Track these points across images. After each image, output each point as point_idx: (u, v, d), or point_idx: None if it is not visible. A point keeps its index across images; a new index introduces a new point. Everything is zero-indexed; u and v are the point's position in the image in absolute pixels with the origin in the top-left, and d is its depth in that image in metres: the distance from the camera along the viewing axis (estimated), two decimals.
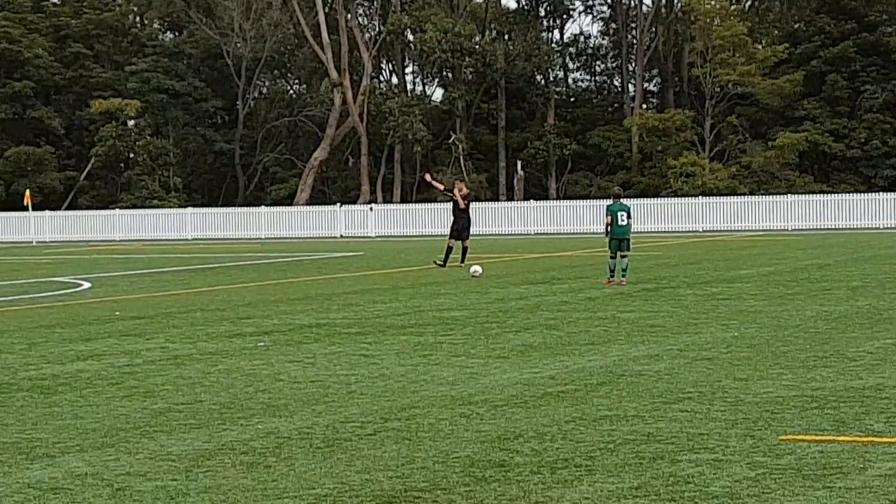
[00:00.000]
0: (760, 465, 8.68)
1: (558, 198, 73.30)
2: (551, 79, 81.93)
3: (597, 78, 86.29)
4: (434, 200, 63.78)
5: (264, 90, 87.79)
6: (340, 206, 66.83)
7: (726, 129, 73.58)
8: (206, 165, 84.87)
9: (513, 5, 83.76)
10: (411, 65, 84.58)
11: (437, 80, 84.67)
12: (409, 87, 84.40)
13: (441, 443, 9.66)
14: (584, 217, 60.67)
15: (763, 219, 59.66)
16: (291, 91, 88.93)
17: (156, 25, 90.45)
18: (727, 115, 73.59)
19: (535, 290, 24.78)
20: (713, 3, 73.69)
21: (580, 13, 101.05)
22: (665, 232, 57.45)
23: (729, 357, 14.16)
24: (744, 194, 65.52)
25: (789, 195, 62.13)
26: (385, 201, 75.37)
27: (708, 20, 72.29)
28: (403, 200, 75.56)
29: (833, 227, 57.82)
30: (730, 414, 10.60)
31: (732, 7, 75.46)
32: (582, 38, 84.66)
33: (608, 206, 26.49)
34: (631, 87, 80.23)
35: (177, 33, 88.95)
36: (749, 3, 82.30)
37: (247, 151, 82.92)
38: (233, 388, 12.77)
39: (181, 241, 61.99)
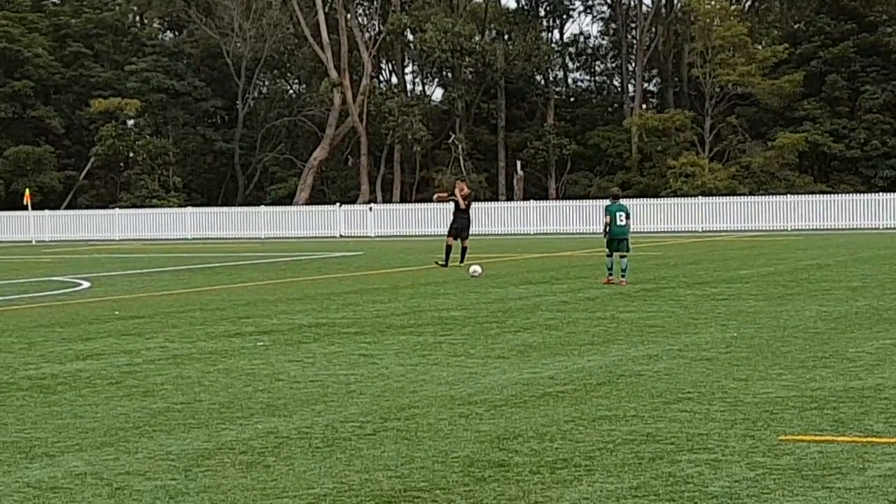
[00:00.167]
0: (760, 465, 8.68)
1: (558, 198, 73.27)
2: (551, 79, 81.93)
3: (596, 78, 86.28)
4: (434, 200, 63.68)
5: (264, 90, 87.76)
6: (340, 205, 66.78)
7: (726, 130, 73.55)
8: (205, 165, 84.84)
9: (513, 5, 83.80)
10: (411, 65, 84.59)
11: (436, 79, 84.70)
12: (409, 86, 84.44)
13: (440, 443, 9.66)
14: (583, 217, 60.60)
15: (763, 219, 59.60)
16: (291, 91, 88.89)
17: (156, 25, 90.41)
18: (727, 115, 73.55)
19: (535, 290, 24.77)
20: (713, 3, 73.65)
21: (580, 13, 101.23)
22: (664, 232, 57.41)
23: (728, 357, 14.15)
24: (743, 194, 65.43)
25: (789, 195, 62.08)
26: (385, 201, 75.33)
27: (708, 20, 72.24)
28: (403, 200, 75.51)
29: (833, 227, 57.77)
30: (729, 414, 10.60)
31: (732, 7, 75.47)
32: (582, 38, 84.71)
33: (607, 207, 26.67)
34: (631, 88, 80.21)
35: (176, 33, 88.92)
36: (749, 3, 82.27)
37: (246, 151, 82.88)
38: (232, 387, 12.77)
39: (181, 240, 61.94)
